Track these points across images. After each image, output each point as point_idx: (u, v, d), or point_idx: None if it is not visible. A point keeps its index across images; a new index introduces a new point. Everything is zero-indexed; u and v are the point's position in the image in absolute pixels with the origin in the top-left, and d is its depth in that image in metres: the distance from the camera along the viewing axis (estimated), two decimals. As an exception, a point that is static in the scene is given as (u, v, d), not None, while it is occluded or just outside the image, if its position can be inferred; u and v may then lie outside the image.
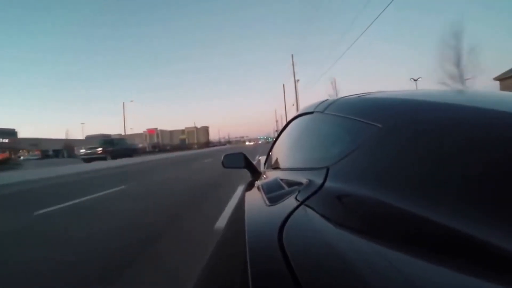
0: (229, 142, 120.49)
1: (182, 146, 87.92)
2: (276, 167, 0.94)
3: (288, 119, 0.98)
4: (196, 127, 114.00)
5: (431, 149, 0.30)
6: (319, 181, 0.41)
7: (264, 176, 0.89)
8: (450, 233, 0.21)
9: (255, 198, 0.60)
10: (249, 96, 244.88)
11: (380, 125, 0.38)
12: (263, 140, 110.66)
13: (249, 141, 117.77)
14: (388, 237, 0.25)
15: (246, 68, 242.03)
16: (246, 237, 0.35)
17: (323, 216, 0.33)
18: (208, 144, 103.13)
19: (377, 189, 0.31)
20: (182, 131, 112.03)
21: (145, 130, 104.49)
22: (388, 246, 0.23)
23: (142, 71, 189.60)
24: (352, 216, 0.32)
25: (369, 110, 0.47)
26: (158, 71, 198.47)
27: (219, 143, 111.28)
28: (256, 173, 1.13)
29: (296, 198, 0.40)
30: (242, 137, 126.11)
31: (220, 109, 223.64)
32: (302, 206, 0.36)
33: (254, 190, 0.70)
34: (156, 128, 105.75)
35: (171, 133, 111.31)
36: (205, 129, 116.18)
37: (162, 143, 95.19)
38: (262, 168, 1.29)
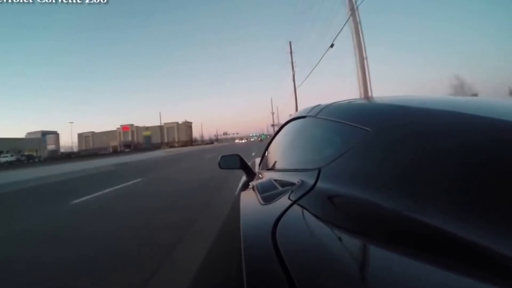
0: (216, 140, 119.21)
1: (147, 145, 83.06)
2: (270, 168, 1.13)
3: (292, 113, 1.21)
4: (176, 123, 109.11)
5: (417, 152, 0.35)
6: (311, 181, 0.47)
7: (259, 176, 1.07)
8: (436, 232, 0.24)
9: (249, 198, 0.68)
10: (240, 90, 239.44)
11: (369, 129, 0.44)
12: (255, 137, 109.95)
13: (240, 139, 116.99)
14: (376, 236, 0.29)
15: (236, 57, 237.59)
16: (241, 235, 0.39)
17: (314, 215, 0.38)
18: (191, 142, 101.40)
19: (366, 190, 0.36)
20: (160, 127, 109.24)
21: (118, 126, 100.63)
22: (377, 244, 0.27)
23: (120, 63, 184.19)
24: (342, 215, 0.37)
25: (359, 114, 0.54)
26: (139, 63, 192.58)
27: (201, 142, 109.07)
28: (251, 174, 1.34)
29: (289, 198, 0.46)
30: (226, 133, 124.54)
31: (208, 104, 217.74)
32: (295, 206, 0.42)
33: (249, 190, 0.81)
34: (132, 125, 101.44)
35: (149, 130, 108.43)
36: (188, 125, 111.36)
37: (137, 142, 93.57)
38: (257, 169, 1.49)
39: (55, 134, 75.05)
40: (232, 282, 0.33)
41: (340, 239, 0.30)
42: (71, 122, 75.76)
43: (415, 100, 0.55)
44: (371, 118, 0.50)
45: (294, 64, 19.86)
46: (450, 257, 0.22)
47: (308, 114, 0.80)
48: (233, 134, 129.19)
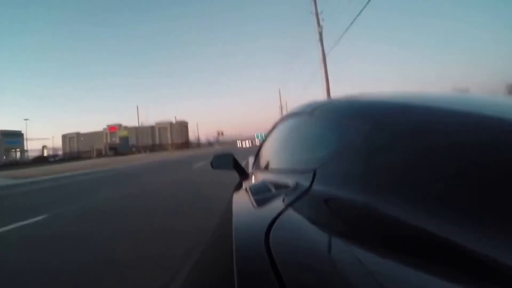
0: (217, 142, 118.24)
1: (124, 148, 76.08)
2: (264, 169, 1.20)
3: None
4: (170, 123, 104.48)
5: (417, 152, 0.37)
6: (306, 184, 0.50)
7: (252, 177, 1.14)
8: (434, 237, 0.26)
9: (242, 200, 0.72)
10: (243, 88, 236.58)
11: (366, 128, 0.47)
12: (260, 139, 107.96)
13: (242, 141, 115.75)
14: (372, 240, 0.31)
15: (238, 49, 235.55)
16: (233, 240, 0.41)
17: (309, 218, 0.40)
18: (187, 144, 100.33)
19: (363, 192, 0.38)
20: (152, 128, 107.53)
21: (105, 126, 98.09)
22: (372, 248, 0.29)
23: (112, 59, 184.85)
24: (339, 218, 0.39)
25: (356, 112, 0.57)
26: (132, 59, 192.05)
27: (198, 144, 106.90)
28: (244, 175, 1.41)
29: (283, 201, 0.49)
30: (221, 132, 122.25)
31: (208, 104, 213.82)
32: (289, 209, 0.44)
33: (242, 192, 0.86)
34: (120, 125, 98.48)
35: (138, 130, 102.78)
36: (183, 125, 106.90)
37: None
38: (250, 169, 1.58)
39: (19, 134, 68.06)
40: (224, 287, 0.34)
41: (336, 243, 0.32)
42: (26, 119, 66.61)
43: (415, 97, 0.57)
44: (368, 116, 0.52)
45: (320, 17, 11.75)
46: (448, 262, 0.23)
47: (303, 112, 0.84)
48: (236, 135, 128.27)
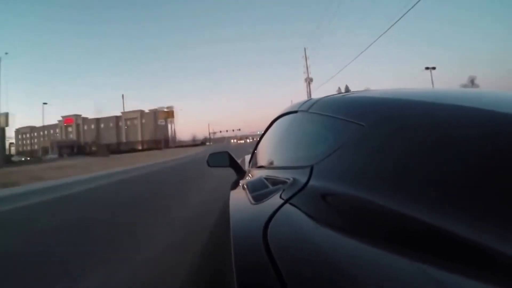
0: (209, 140, 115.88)
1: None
2: (260, 166, 1.42)
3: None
4: (140, 112, 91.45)
5: (413, 147, 0.44)
6: (303, 179, 0.58)
7: (249, 175, 1.34)
8: (433, 231, 0.31)
9: (239, 197, 0.84)
10: (245, 77, 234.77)
11: (363, 124, 0.55)
12: None
13: (241, 139, 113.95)
14: (370, 235, 0.36)
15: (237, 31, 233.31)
16: (231, 236, 0.48)
17: (307, 214, 0.47)
18: (167, 142, 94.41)
19: (361, 188, 0.45)
20: (116, 119, 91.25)
21: (61, 118, 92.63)
22: (371, 243, 0.34)
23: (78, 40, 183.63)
24: (336, 214, 0.46)
25: (353, 109, 0.67)
26: (108, 42, 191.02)
27: (173, 142, 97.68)
28: (241, 172, 1.67)
29: (280, 197, 0.56)
30: (214, 133, 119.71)
31: (199, 94, 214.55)
32: (287, 205, 0.51)
33: (239, 189, 1.02)
34: (78, 115, 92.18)
35: (100, 121, 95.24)
36: (159, 116, 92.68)
37: (84, 140, 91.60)
38: (247, 167, 1.83)
39: None
40: (223, 284, 0.40)
41: (334, 239, 0.37)
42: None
43: (411, 93, 0.66)
44: (365, 112, 0.61)
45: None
46: (447, 256, 0.28)
47: (300, 109, 1.01)
48: (234, 130, 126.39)
